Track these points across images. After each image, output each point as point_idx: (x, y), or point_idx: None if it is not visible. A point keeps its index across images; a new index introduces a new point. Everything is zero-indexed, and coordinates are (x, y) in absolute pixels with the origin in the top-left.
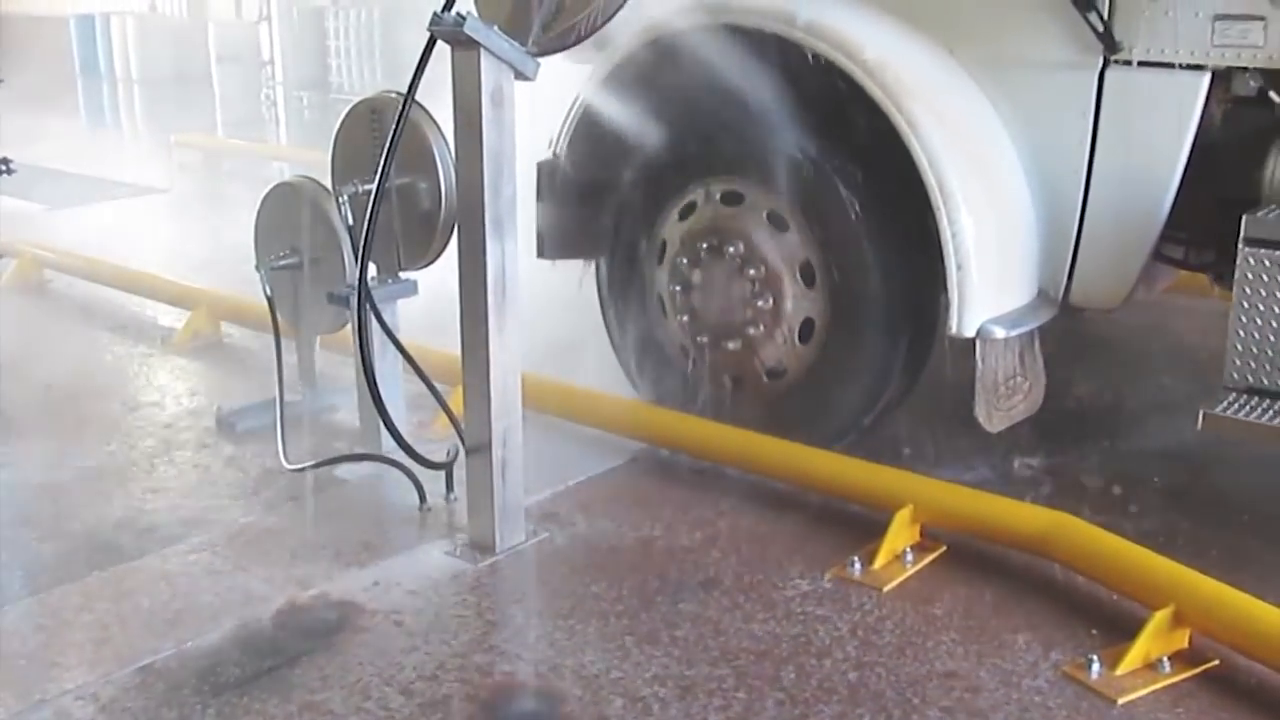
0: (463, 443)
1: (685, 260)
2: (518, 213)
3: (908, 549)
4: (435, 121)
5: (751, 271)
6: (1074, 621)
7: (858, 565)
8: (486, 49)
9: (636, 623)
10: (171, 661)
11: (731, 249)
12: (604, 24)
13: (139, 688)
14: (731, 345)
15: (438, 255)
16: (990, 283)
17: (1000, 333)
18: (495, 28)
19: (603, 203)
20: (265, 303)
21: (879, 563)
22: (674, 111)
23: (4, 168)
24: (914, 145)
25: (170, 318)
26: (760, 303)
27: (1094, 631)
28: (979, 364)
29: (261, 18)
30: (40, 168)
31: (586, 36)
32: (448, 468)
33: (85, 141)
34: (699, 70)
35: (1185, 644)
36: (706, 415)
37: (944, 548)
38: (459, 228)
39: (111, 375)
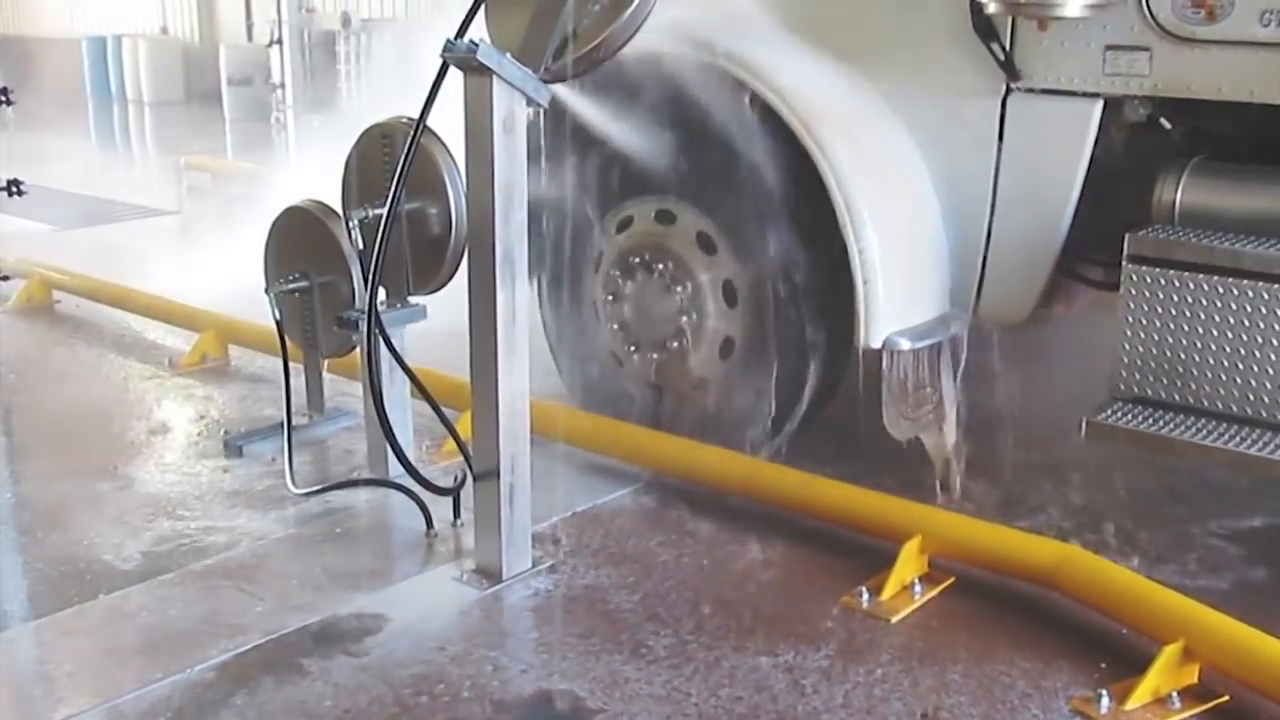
0: (470, 468)
1: (618, 273)
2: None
3: (916, 580)
4: (446, 147)
5: (678, 288)
6: (1083, 655)
7: (866, 596)
8: (499, 76)
9: (643, 650)
10: (163, 689)
11: (661, 265)
12: (618, 51)
13: (136, 716)
14: (658, 355)
15: (447, 280)
16: (896, 297)
17: (906, 344)
18: (508, 55)
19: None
20: (274, 326)
21: (887, 593)
22: (611, 131)
23: (14, 189)
24: (823, 166)
25: (178, 340)
26: (685, 318)
27: (1103, 665)
28: (885, 374)
29: (272, 41)
30: (50, 189)
31: (600, 64)
32: (455, 493)
33: (95, 163)
34: (633, 93)
35: (1195, 679)
36: (636, 421)
37: (953, 579)
38: (469, 253)
39: (118, 397)
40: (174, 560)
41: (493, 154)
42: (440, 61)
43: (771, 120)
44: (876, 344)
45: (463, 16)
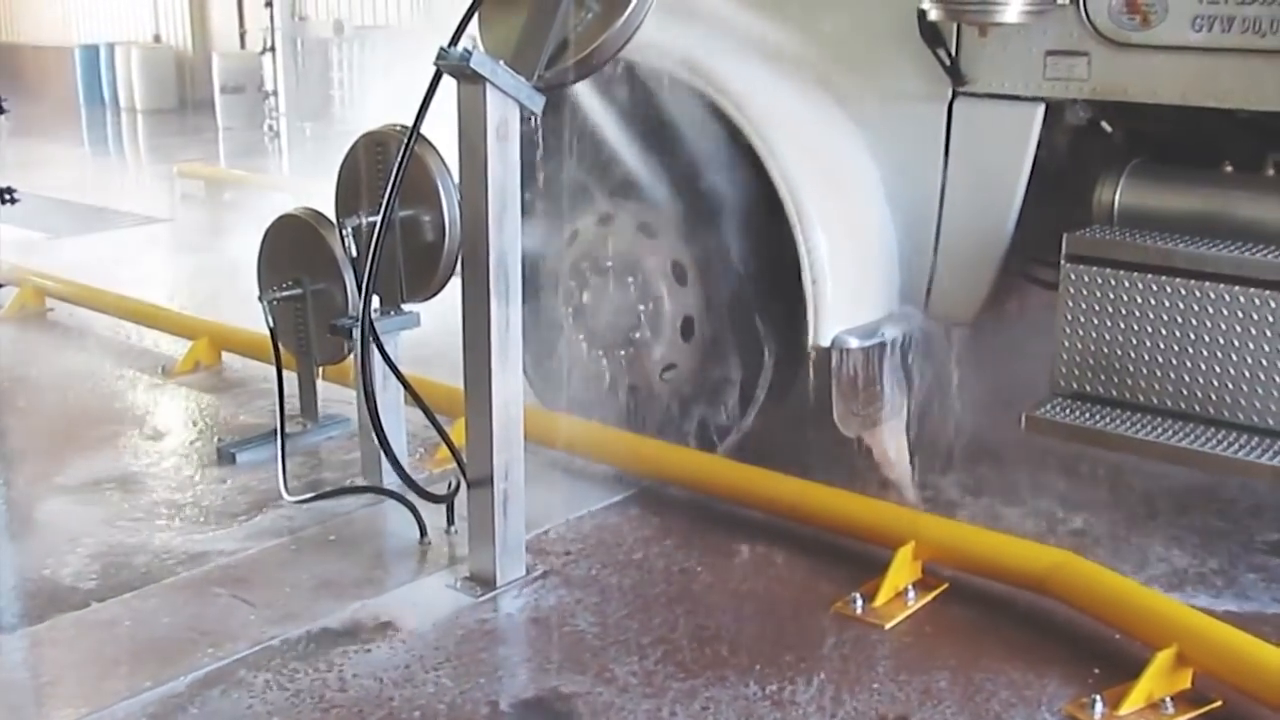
0: (464, 476)
1: (579, 273)
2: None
3: (910, 586)
4: (440, 154)
5: (634, 285)
6: (1076, 660)
7: (859, 602)
8: (492, 84)
9: (638, 658)
10: (153, 698)
11: (620, 266)
12: (610, 59)
13: None
14: (619, 353)
15: (440, 288)
16: (845, 296)
17: (855, 342)
18: (501, 63)
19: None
20: (267, 334)
21: (880, 600)
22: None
23: (7, 197)
24: (773, 169)
25: (171, 347)
26: (642, 309)
27: (1096, 671)
28: (834, 371)
29: (265, 49)
30: (43, 197)
31: (593, 71)
32: (449, 501)
33: (88, 171)
34: (588, 99)
35: (1188, 684)
36: (599, 419)
37: (946, 585)
38: (463, 260)
39: (111, 405)
40: (166, 568)
41: (486, 161)
42: (434, 69)
43: (726, 125)
44: (825, 342)
45: (456, 23)
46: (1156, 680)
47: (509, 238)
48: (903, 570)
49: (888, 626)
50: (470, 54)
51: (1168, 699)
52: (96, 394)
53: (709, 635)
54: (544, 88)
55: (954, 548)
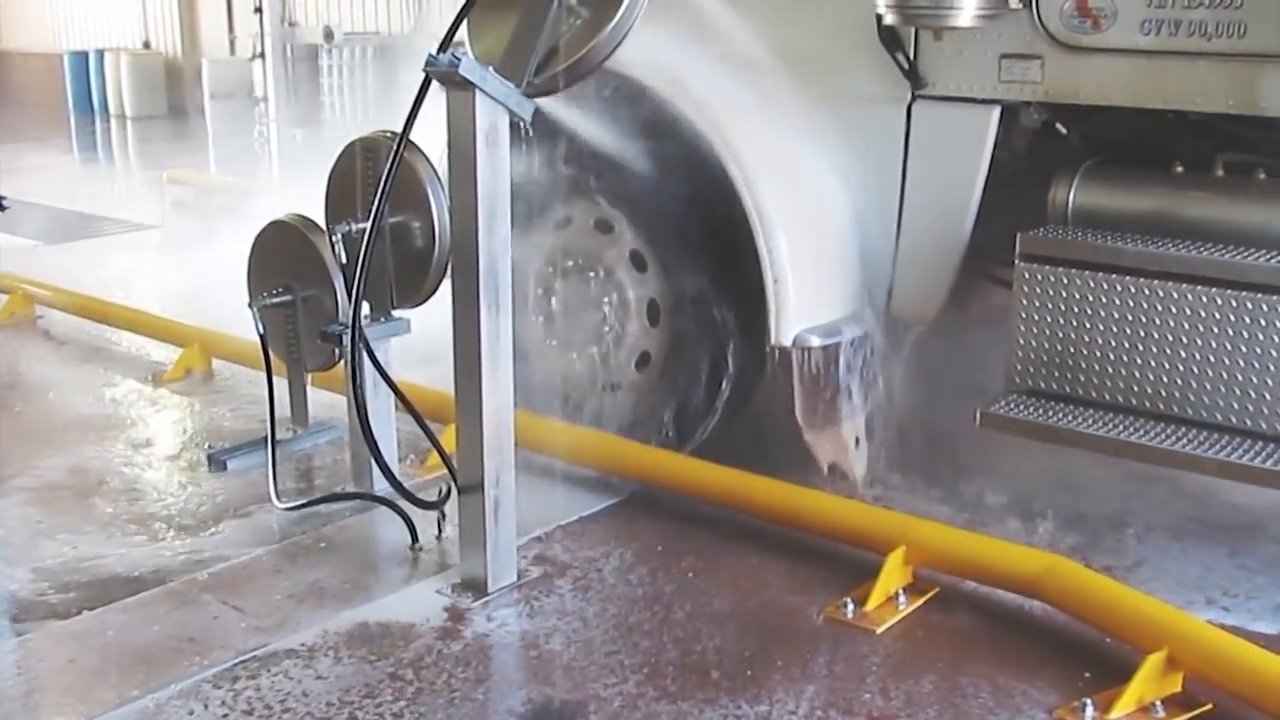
0: (455, 482)
1: (548, 272)
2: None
3: (900, 590)
4: (429, 161)
5: (606, 294)
6: (1067, 664)
7: (851, 607)
8: (482, 90)
9: (630, 662)
10: (144, 705)
11: (590, 270)
12: (600, 64)
13: None
14: (583, 353)
15: (431, 294)
16: (806, 296)
17: (816, 341)
18: (490, 69)
19: None
20: (258, 340)
21: (872, 604)
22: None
23: None
24: (734, 171)
25: (162, 354)
26: (609, 312)
27: (1087, 674)
28: (796, 370)
29: (255, 55)
30: (33, 203)
31: (583, 77)
32: (439, 507)
33: (78, 177)
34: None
35: (1179, 687)
36: (562, 418)
37: (937, 589)
38: (453, 267)
39: (101, 412)
40: (156, 575)
41: (476, 168)
42: (423, 75)
43: (688, 130)
44: (787, 341)
45: (445, 30)
46: (1147, 684)
47: (499, 244)
48: (894, 575)
49: (879, 631)
50: (459, 60)
51: (1158, 702)
52: (86, 401)
53: (703, 641)
54: (533, 94)
55: (945, 552)
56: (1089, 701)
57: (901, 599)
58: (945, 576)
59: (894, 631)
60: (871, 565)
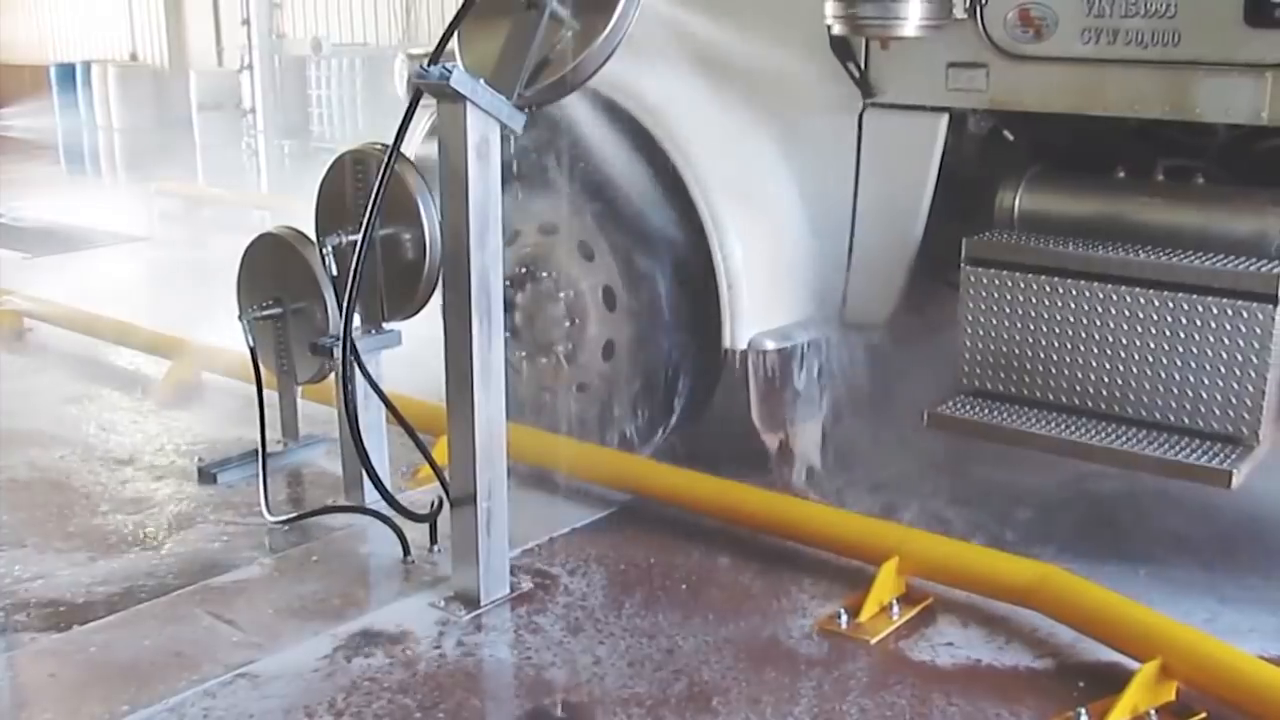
0: (447, 494)
1: (509, 281)
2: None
3: (894, 601)
4: (420, 173)
5: (562, 295)
6: (1061, 674)
7: (844, 617)
8: (473, 103)
9: (623, 676)
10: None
11: (546, 274)
12: (590, 76)
13: None
14: (545, 360)
15: (421, 306)
16: (759, 301)
17: (770, 345)
18: (481, 81)
19: None
20: (248, 353)
21: (865, 615)
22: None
23: None
24: (689, 179)
25: (151, 367)
26: (569, 324)
27: (1081, 684)
28: (750, 374)
29: (243, 66)
30: (20, 216)
31: (574, 89)
32: (431, 520)
33: (65, 189)
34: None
35: (1173, 696)
36: (529, 422)
37: (930, 599)
38: (444, 278)
39: (91, 425)
40: (147, 590)
41: (467, 179)
42: (414, 87)
43: (646, 139)
44: (741, 345)
45: (436, 42)
46: (1141, 693)
47: (490, 256)
48: (887, 585)
49: (873, 641)
50: (450, 72)
51: (1152, 712)
52: (75, 414)
53: (696, 653)
54: (524, 106)
55: (938, 562)
56: (1083, 711)
57: (895, 609)
58: (939, 586)
59: (887, 641)
60: (865, 575)
